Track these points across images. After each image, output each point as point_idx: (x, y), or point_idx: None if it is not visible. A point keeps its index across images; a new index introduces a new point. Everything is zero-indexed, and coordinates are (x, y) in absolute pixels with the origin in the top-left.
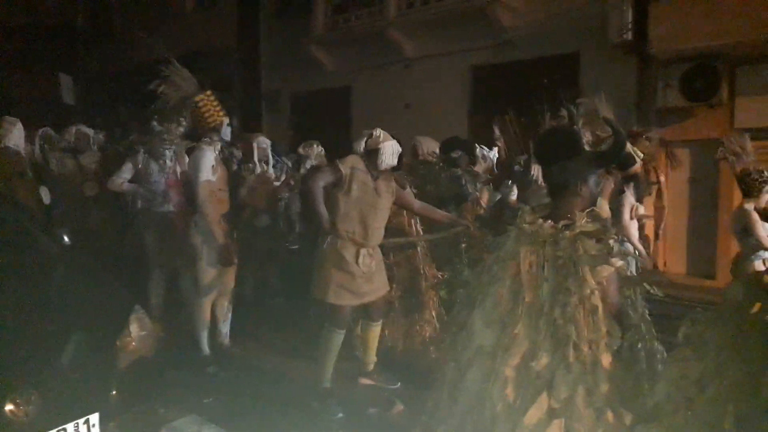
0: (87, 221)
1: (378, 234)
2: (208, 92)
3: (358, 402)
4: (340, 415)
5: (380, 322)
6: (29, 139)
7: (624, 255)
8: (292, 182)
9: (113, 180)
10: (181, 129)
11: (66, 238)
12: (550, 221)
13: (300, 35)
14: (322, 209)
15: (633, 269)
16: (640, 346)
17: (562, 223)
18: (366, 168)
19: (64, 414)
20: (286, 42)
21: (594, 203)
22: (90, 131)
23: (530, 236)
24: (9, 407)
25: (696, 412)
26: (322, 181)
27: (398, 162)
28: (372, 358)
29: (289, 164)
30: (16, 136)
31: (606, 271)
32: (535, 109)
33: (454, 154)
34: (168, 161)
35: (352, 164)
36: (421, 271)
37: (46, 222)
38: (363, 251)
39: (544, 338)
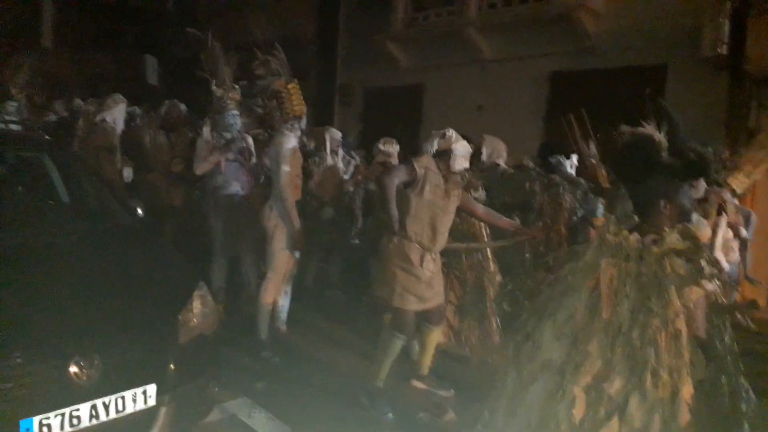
0: (171, 197)
1: (443, 239)
2: (296, 80)
3: (408, 404)
4: (390, 415)
5: (440, 327)
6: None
7: (717, 278)
8: (360, 177)
9: (197, 165)
10: (238, 96)
11: (140, 211)
12: (636, 234)
13: (378, 31)
14: (394, 210)
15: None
16: (724, 380)
17: (649, 237)
18: (438, 169)
19: (124, 382)
20: (364, 36)
21: (686, 219)
22: (182, 106)
23: (613, 248)
24: (73, 369)
25: None
26: (398, 179)
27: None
28: (428, 362)
29: (357, 159)
30: (116, 114)
31: (695, 293)
32: (616, 121)
33: (552, 160)
34: (236, 138)
35: (426, 165)
36: (487, 279)
37: (125, 195)
38: (427, 255)
39: (619, 360)
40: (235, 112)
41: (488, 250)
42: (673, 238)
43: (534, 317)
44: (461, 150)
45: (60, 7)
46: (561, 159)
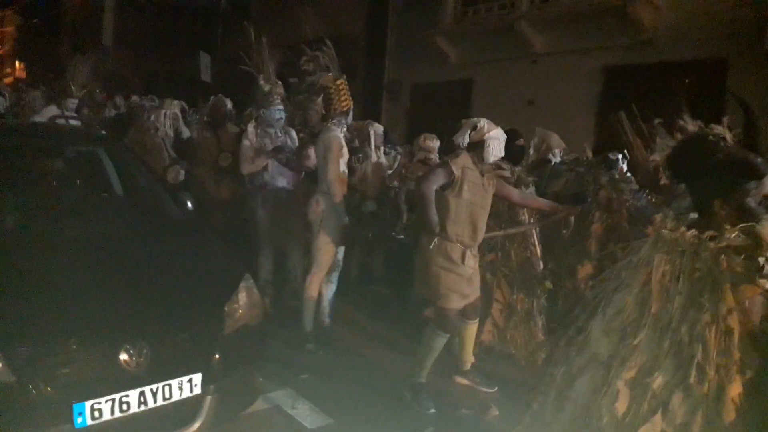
0: (219, 191)
1: (482, 233)
2: (344, 76)
3: (451, 401)
4: (433, 410)
5: (477, 321)
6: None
7: None
8: (404, 171)
9: (244, 165)
10: (282, 92)
11: (189, 204)
12: (694, 231)
13: (427, 26)
14: (434, 215)
15: None
16: None
17: (707, 234)
18: (474, 165)
19: (171, 370)
20: (413, 32)
21: (751, 218)
22: (228, 101)
23: (669, 244)
24: (123, 356)
25: None
26: (435, 184)
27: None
28: (469, 357)
29: (400, 153)
30: (161, 116)
31: (751, 291)
32: (672, 117)
33: (612, 156)
34: (280, 132)
35: (463, 164)
36: (535, 278)
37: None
38: (468, 252)
39: (666, 355)
40: (281, 107)
41: (537, 247)
42: (732, 235)
43: (586, 311)
44: (495, 140)
45: (120, 7)
46: (618, 155)
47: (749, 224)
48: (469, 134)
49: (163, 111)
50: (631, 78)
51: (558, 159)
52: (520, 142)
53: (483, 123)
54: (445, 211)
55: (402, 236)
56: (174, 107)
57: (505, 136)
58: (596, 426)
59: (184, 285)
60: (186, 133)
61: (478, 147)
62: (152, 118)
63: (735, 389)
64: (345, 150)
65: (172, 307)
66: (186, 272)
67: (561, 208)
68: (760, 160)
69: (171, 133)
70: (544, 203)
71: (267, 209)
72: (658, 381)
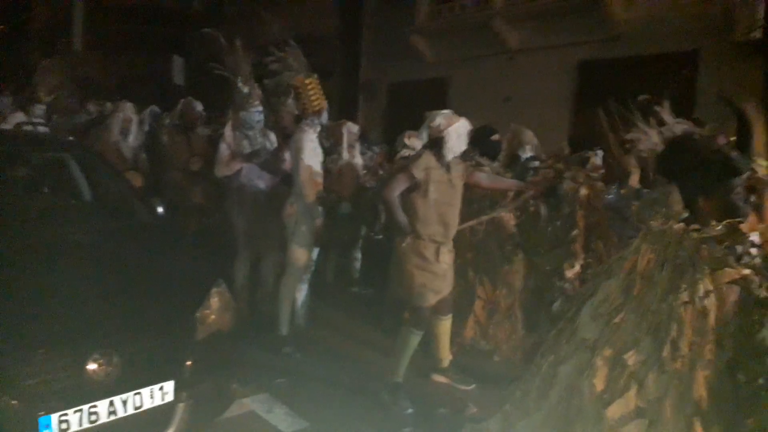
0: (192, 195)
1: (455, 228)
2: (315, 76)
3: (429, 399)
4: (410, 410)
5: (450, 316)
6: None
7: (754, 267)
8: (381, 171)
9: (219, 168)
10: (260, 93)
11: (160, 209)
12: (681, 224)
13: (402, 25)
14: (402, 218)
15: None
16: (755, 367)
17: (692, 226)
18: (438, 163)
19: (141, 378)
20: (388, 31)
21: (737, 215)
22: (198, 104)
23: (657, 235)
24: (91, 366)
25: None
26: (398, 189)
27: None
28: (446, 354)
29: (375, 153)
30: (115, 123)
31: (728, 276)
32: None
33: (589, 153)
34: (258, 134)
35: (425, 165)
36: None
37: (146, 194)
38: (443, 248)
39: (645, 334)
40: (260, 109)
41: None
42: (715, 227)
43: (576, 303)
44: (453, 134)
45: (91, 12)
46: (597, 152)
47: (734, 221)
48: (426, 134)
49: (117, 115)
50: (606, 73)
51: (528, 155)
52: (496, 137)
53: (439, 120)
54: (413, 212)
55: (380, 236)
56: (127, 110)
57: (469, 128)
58: (577, 405)
59: (154, 291)
60: (134, 137)
61: (437, 144)
62: (110, 127)
63: (708, 367)
64: (319, 151)
65: (142, 313)
66: (156, 278)
67: (529, 186)
68: (740, 157)
69: (122, 137)
70: (512, 183)
71: (243, 212)
72: (633, 358)
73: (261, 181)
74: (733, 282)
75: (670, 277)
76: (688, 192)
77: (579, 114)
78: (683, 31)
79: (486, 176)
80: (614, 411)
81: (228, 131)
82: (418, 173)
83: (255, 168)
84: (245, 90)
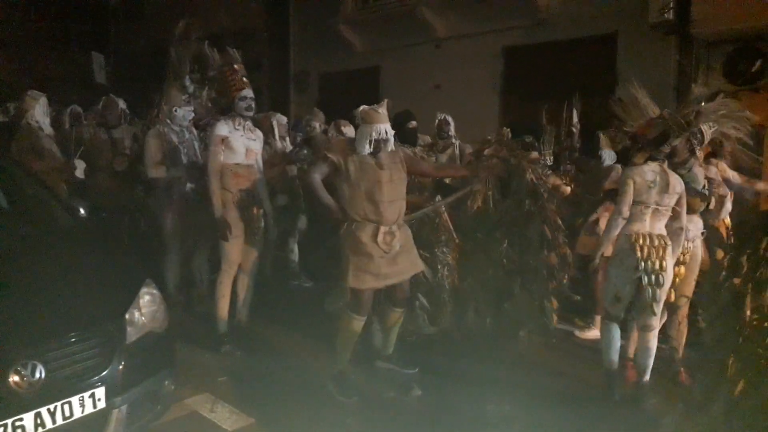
0: (118, 196)
1: (393, 209)
2: (237, 65)
3: (374, 386)
4: (355, 398)
5: (403, 309)
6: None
7: None
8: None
9: (150, 167)
10: (191, 89)
11: (82, 211)
12: None
13: (329, 15)
14: (328, 200)
15: None
16: None
17: None
18: (356, 147)
19: (70, 387)
20: (316, 22)
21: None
22: (120, 101)
23: None
24: (13, 378)
25: None
26: (319, 174)
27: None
28: (392, 342)
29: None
30: (39, 113)
31: None
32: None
33: (527, 139)
34: (187, 131)
35: (339, 149)
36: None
37: (70, 195)
38: (382, 229)
39: None
40: (190, 106)
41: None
42: None
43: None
44: (359, 134)
45: (2, 10)
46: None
47: None
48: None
49: (38, 106)
50: (530, 58)
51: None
52: (413, 124)
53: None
54: (341, 195)
55: (322, 226)
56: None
57: (381, 129)
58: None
59: (79, 295)
60: (47, 129)
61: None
62: (29, 120)
63: None
64: (236, 143)
65: (66, 319)
66: (81, 282)
67: (474, 172)
68: None
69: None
70: (459, 169)
71: (173, 210)
72: None
73: (190, 177)
74: None
75: None
76: None
77: (507, 99)
78: (602, 15)
79: (433, 164)
80: None
81: (158, 129)
82: (335, 157)
83: (185, 165)
84: (174, 86)
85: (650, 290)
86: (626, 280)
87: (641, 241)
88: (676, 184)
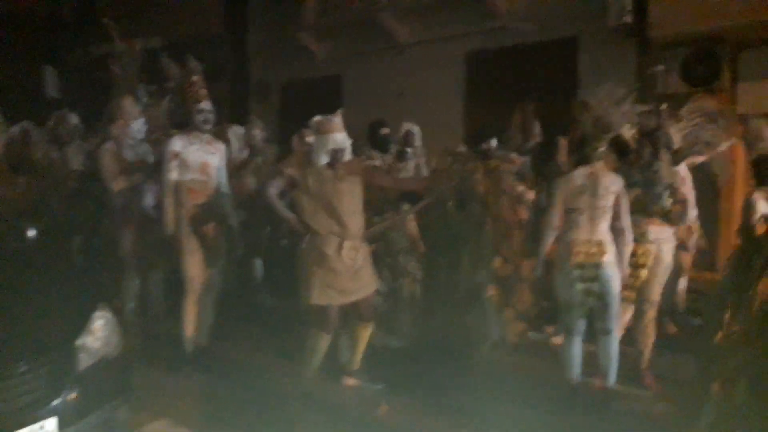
0: (71, 215)
1: (355, 222)
2: (195, 77)
3: (341, 402)
4: (322, 416)
5: (371, 323)
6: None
7: None
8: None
9: (111, 182)
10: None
11: (30, 232)
12: None
13: (289, 22)
14: (285, 212)
15: None
16: None
17: None
18: (313, 159)
19: (18, 418)
20: (276, 30)
21: None
22: (73, 117)
23: None
24: None
25: None
26: (275, 189)
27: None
28: (358, 358)
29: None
30: None
31: None
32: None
33: (486, 145)
34: (141, 146)
35: (295, 163)
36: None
37: (17, 216)
38: (346, 244)
39: None
40: (143, 119)
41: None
42: None
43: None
44: (316, 144)
45: None
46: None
47: None
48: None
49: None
50: (492, 63)
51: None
52: (385, 131)
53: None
54: (300, 208)
55: (285, 241)
56: None
57: (332, 143)
58: None
59: (28, 322)
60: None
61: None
62: None
63: None
64: (191, 158)
65: (12, 347)
66: (30, 308)
67: (431, 184)
68: None
69: None
70: (418, 181)
71: (131, 229)
72: None
73: (150, 194)
74: None
75: None
76: None
77: (470, 105)
78: (562, 19)
79: (390, 177)
80: None
81: (112, 144)
82: (291, 170)
83: (142, 182)
84: (130, 99)
85: (592, 296)
86: (568, 287)
87: (577, 248)
88: (610, 184)
